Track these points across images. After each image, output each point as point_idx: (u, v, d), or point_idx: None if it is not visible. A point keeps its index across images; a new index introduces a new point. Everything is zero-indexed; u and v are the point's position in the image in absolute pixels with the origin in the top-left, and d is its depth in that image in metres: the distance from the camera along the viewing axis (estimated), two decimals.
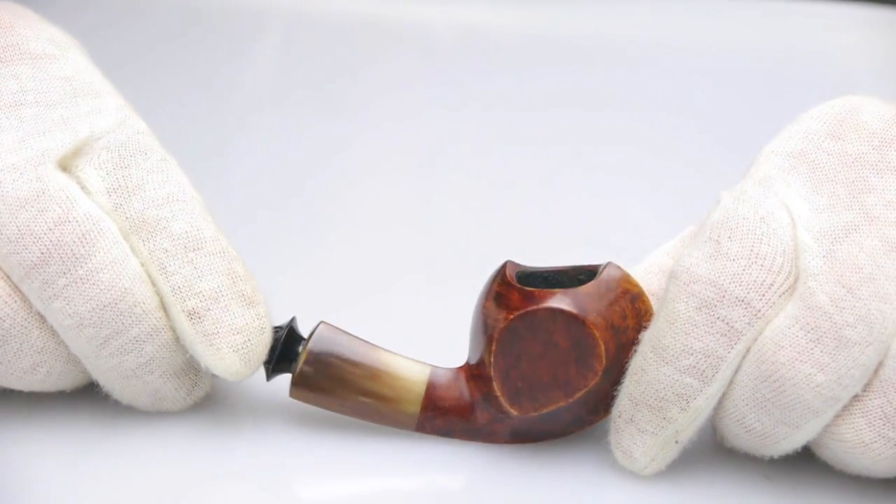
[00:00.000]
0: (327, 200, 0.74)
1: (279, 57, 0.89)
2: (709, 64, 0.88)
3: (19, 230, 0.52)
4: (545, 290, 0.52)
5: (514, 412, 0.53)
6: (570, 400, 0.52)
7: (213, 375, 0.56)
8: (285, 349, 0.55)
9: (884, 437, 0.51)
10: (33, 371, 0.54)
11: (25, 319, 0.53)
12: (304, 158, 0.78)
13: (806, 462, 0.54)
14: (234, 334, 0.53)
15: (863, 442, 0.51)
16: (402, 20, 0.91)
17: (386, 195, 0.74)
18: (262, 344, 0.54)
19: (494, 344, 0.52)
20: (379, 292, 0.66)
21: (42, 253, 0.52)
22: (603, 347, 0.52)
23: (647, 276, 0.55)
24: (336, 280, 0.67)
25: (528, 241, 0.65)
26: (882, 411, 0.51)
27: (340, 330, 0.55)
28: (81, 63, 0.57)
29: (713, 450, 0.55)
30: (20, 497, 0.53)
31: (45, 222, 0.52)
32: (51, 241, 0.52)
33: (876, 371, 0.51)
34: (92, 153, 0.54)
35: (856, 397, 0.51)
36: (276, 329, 0.55)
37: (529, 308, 0.52)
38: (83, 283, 0.53)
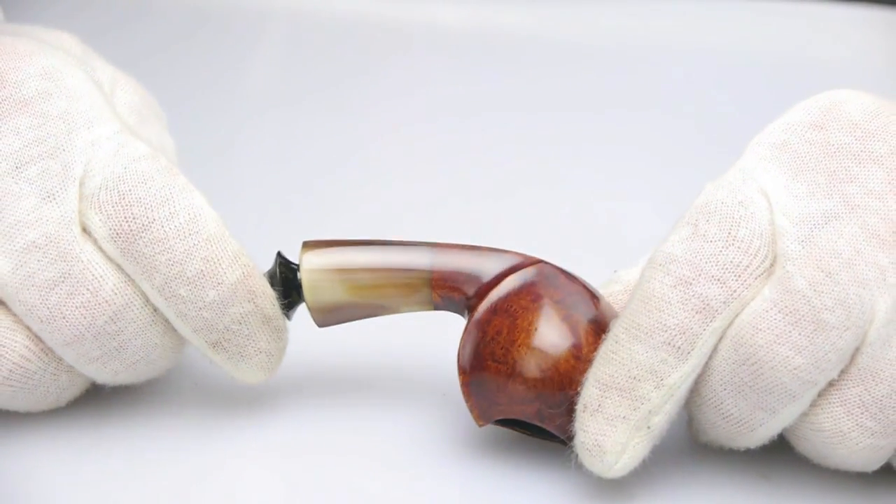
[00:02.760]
0: (331, 201, 0.74)
1: (284, 58, 0.89)
2: (711, 64, 0.88)
3: (50, 312, 0.52)
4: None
5: None
6: None
7: None
8: (287, 287, 0.55)
9: (861, 426, 0.51)
10: (57, 402, 0.55)
11: (56, 368, 0.54)
12: (308, 159, 0.78)
13: (805, 462, 0.54)
14: (258, 355, 0.54)
15: (840, 431, 0.51)
16: (407, 21, 0.91)
17: (391, 196, 0.75)
18: (283, 350, 0.55)
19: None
20: None
21: (75, 335, 0.52)
22: None
23: (623, 294, 0.54)
24: None
25: (532, 241, 0.64)
26: (860, 400, 0.50)
27: (326, 249, 0.54)
28: (75, 88, 0.54)
29: (711, 450, 0.55)
30: (22, 494, 0.53)
31: (76, 305, 0.52)
32: (83, 324, 0.52)
33: (853, 359, 0.50)
34: (91, 196, 0.53)
35: (834, 385, 0.51)
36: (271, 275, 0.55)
37: None
38: (118, 352, 0.53)
